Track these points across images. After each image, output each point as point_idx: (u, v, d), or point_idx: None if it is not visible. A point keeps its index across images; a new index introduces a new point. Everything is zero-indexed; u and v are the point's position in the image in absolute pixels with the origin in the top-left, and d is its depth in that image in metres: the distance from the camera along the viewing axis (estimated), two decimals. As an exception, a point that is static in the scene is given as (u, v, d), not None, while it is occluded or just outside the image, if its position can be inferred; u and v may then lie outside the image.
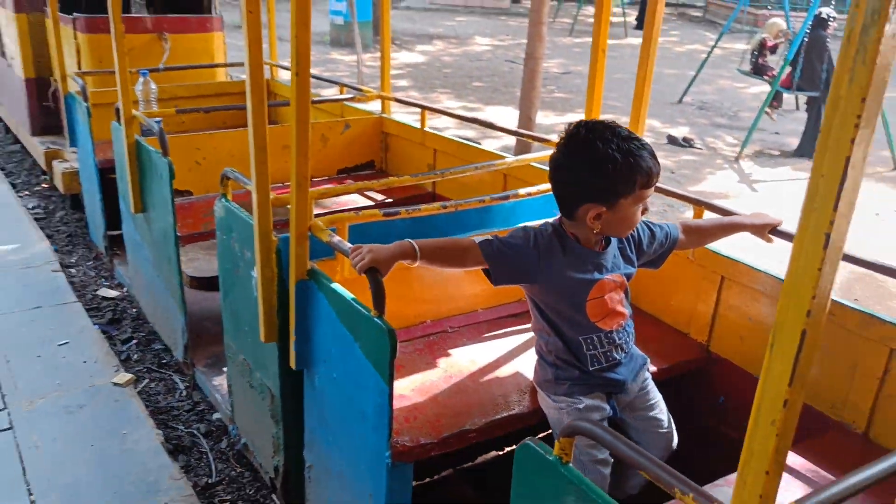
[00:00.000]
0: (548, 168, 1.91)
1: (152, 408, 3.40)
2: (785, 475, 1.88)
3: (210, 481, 2.98)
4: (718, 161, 8.61)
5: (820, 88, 8.98)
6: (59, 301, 4.27)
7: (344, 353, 2.00)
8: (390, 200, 3.66)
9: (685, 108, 11.38)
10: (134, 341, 3.99)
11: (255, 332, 2.34)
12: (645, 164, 1.75)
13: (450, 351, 2.41)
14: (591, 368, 1.93)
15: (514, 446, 1.77)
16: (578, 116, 2.24)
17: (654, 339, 2.50)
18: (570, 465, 1.35)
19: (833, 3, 9.78)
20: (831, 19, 9.08)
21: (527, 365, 2.29)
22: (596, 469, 1.95)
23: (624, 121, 2.55)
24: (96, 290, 4.58)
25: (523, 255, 1.86)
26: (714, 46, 11.98)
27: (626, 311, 1.98)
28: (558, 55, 16.05)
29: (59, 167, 5.37)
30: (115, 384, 3.47)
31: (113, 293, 4.54)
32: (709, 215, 2.38)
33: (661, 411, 2.12)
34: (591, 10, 16.51)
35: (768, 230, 2.13)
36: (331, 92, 4.61)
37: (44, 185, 6.45)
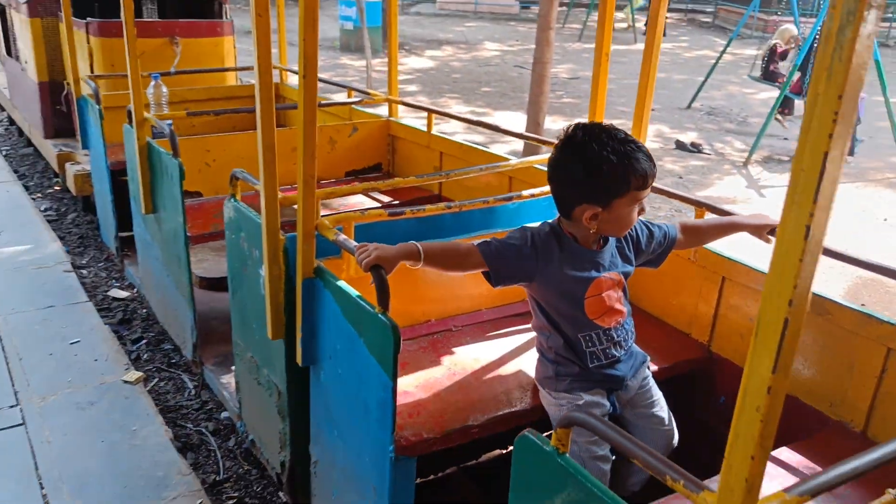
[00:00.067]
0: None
1: (161, 406, 3.45)
2: (784, 472, 1.92)
3: (218, 478, 3.02)
4: (727, 166, 8.62)
5: (829, 94, 8.97)
6: (71, 301, 4.34)
7: (349, 350, 2.04)
8: (396, 202, 3.70)
9: (694, 114, 11.39)
10: (144, 341, 4.05)
11: (263, 329, 2.38)
12: (640, 166, 1.79)
13: (453, 349, 2.45)
14: (590, 365, 1.97)
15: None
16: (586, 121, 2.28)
17: (656, 339, 2.53)
18: (567, 455, 1.38)
19: (842, 8, 9.78)
20: (840, 25, 9.07)
21: (529, 363, 2.33)
22: (595, 465, 1.98)
23: (631, 126, 2.60)
24: (107, 290, 4.64)
25: (522, 255, 1.91)
26: (723, 52, 12.00)
27: (625, 308, 2.02)
28: (567, 60, 16.09)
29: (71, 169, 5.44)
30: (126, 382, 3.52)
31: (123, 294, 4.60)
32: (710, 216, 2.41)
33: (662, 409, 2.15)
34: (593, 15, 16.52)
35: (767, 231, 2.16)
36: (340, 96, 4.66)
37: (56, 188, 6.54)
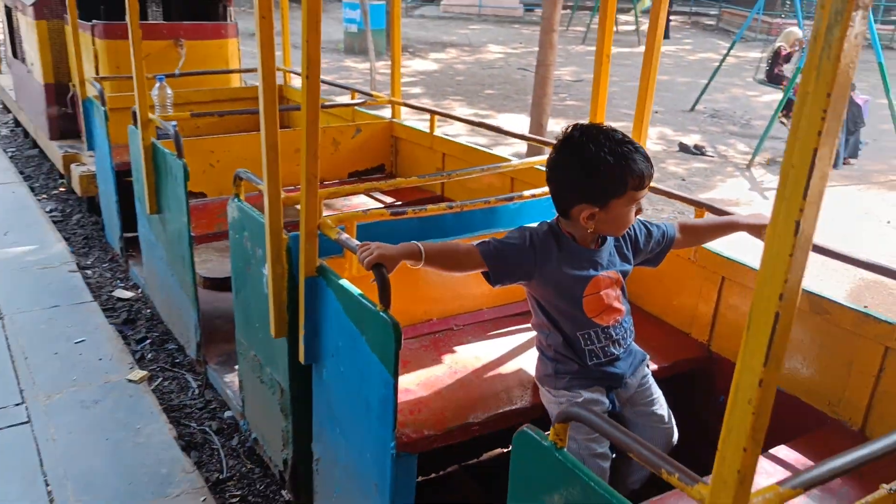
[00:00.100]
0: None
1: (165, 405, 3.47)
2: (781, 469, 1.93)
3: (221, 477, 3.05)
4: (730, 169, 8.63)
5: (832, 97, 8.97)
6: (76, 300, 4.37)
7: (351, 347, 2.06)
8: (399, 203, 3.72)
9: (697, 116, 11.41)
10: (148, 341, 4.07)
11: (266, 328, 2.40)
12: (637, 166, 1.81)
13: (455, 348, 2.47)
14: (589, 363, 1.99)
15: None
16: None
17: (656, 338, 2.55)
18: (565, 450, 1.40)
19: (846, 11, 9.78)
20: (844, 27, 9.07)
21: (529, 362, 2.35)
22: (595, 462, 1.99)
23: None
24: (111, 291, 4.67)
25: (520, 254, 1.93)
26: (727, 55, 12.01)
27: (623, 307, 2.04)
28: (571, 63, 16.11)
29: (76, 170, 5.48)
30: (130, 381, 3.55)
31: (128, 294, 4.63)
32: (709, 216, 2.43)
33: (661, 407, 2.16)
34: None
35: (765, 230, 2.17)
36: (343, 98, 4.69)
37: (61, 189, 6.58)
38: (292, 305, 2.30)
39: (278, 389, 2.52)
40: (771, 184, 8.14)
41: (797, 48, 10.03)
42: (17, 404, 3.32)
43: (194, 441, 3.26)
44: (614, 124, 2.02)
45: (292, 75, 5.38)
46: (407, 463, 1.99)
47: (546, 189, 2.63)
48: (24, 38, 6.64)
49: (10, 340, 3.87)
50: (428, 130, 3.96)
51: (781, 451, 1.99)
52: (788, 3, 14.97)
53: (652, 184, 2.71)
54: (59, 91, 6.13)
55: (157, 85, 4.49)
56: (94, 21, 5.29)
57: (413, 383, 2.23)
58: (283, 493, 2.92)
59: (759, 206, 7.28)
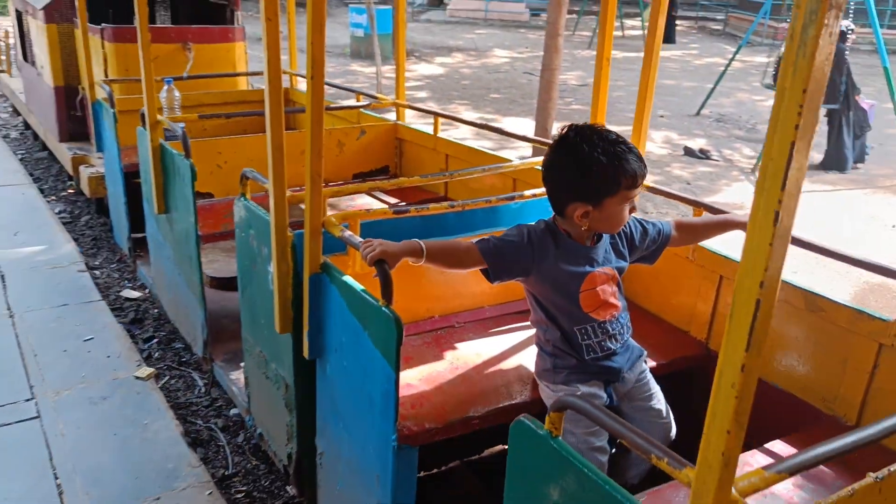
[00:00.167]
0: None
1: (172, 403, 3.53)
2: (775, 463, 1.96)
3: (227, 473, 3.09)
4: (735, 173, 8.65)
5: (839, 101, 8.97)
6: (85, 300, 4.43)
7: (354, 342, 2.10)
8: (403, 204, 3.77)
9: (703, 121, 11.42)
10: (155, 340, 4.13)
11: (271, 324, 2.45)
12: (629, 166, 1.86)
13: (456, 344, 2.52)
14: (586, 357, 2.03)
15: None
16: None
17: (655, 336, 2.59)
18: (560, 438, 1.44)
19: (852, 15, 9.78)
20: (850, 32, 9.07)
21: (529, 359, 2.39)
22: (593, 456, 2.03)
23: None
24: (119, 291, 4.73)
25: (519, 250, 1.98)
26: (732, 59, 12.02)
27: (619, 303, 2.08)
28: (577, 68, 16.15)
29: (85, 172, 5.54)
30: (137, 378, 3.61)
31: (135, 294, 4.69)
32: (706, 215, 2.46)
33: (659, 402, 2.20)
34: (609, 23, 16.56)
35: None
36: (349, 102, 4.75)
37: (70, 191, 6.65)
38: (297, 302, 2.35)
39: (283, 385, 2.57)
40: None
41: (803, 53, 10.01)
42: (27, 400, 3.38)
43: (200, 438, 3.31)
44: (619, 128, 2.06)
45: (299, 79, 5.44)
46: (408, 455, 2.03)
47: (546, 189, 2.69)
48: (35, 41, 6.72)
49: (20, 338, 3.94)
50: (432, 133, 4.01)
51: (776, 445, 2.03)
52: (794, 7, 14.95)
53: (652, 185, 2.78)
54: (68, 94, 6.20)
55: (166, 87, 4.55)
56: (104, 25, 5.36)
57: (415, 378, 2.28)
58: (288, 488, 2.96)
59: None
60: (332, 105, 4.30)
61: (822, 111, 10.04)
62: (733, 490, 1.11)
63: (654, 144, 9.44)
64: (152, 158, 3.54)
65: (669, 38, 20.75)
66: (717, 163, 9.01)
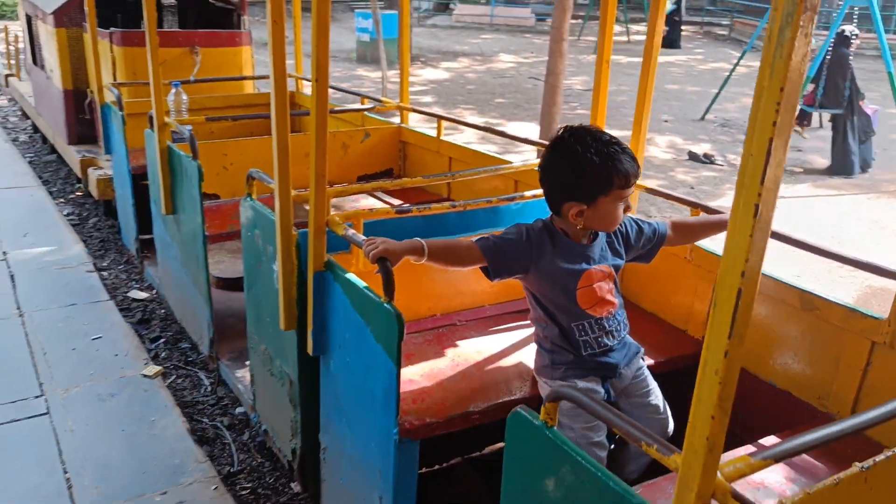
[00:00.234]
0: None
1: (178, 401, 3.57)
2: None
3: (232, 470, 3.14)
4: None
5: (843, 106, 8.98)
6: (93, 299, 4.49)
7: (357, 339, 2.15)
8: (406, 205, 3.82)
9: (707, 126, 11.45)
10: (162, 340, 4.18)
11: (276, 321, 2.50)
12: (622, 166, 1.92)
13: (457, 342, 2.56)
14: (584, 353, 2.08)
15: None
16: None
17: (653, 335, 2.62)
18: (555, 428, 1.48)
19: (856, 20, 9.81)
20: (854, 37, 9.09)
21: (529, 356, 2.43)
22: (591, 451, 2.07)
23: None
24: (127, 291, 4.79)
25: (517, 249, 2.04)
26: (737, 64, 12.06)
27: (616, 300, 2.13)
28: (582, 72, 16.20)
29: (93, 174, 5.61)
30: (145, 376, 3.66)
31: (143, 295, 4.75)
32: (702, 215, 2.50)
33: (657, 398, 2.24)
34: (615, 28, 16.64)
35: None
36: (354, 105, 4.81)
37: (78, 193, 6.72)
38: (301, 299, 2.40)
39: (287, 381, 2.62)
40: (780, 192, 8.15)
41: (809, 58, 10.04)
42: (37, 397, 3.44)
43: (206, 436, 3.35)
44: (622, 133, 2.11)
45: (304, 83, 5.50)
46: (409, 449, 2.07)
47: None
48: (44, 45, 6.80)
49: (29, 336, 4.00)
50: (435, 136, 4.06)
51: (769, 440, 2.07)
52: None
53: (652, 187, 2.82)
54: (77, 97, 6.27)
55: (173, 91, 4.61)
56: (112, 29, 5.44)
57: (416, 375, 2.32)
58: (292, 485, 3.01)
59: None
60: (337, 108, 4.36)
61: (827, 116, 10.07)
62: (719, 474, 1.15)
63: (658, 149, 9.48)
64: (160, 160, 3.60)
65: (675, 43, 20.79)
66: (721, 167, 9.04)
